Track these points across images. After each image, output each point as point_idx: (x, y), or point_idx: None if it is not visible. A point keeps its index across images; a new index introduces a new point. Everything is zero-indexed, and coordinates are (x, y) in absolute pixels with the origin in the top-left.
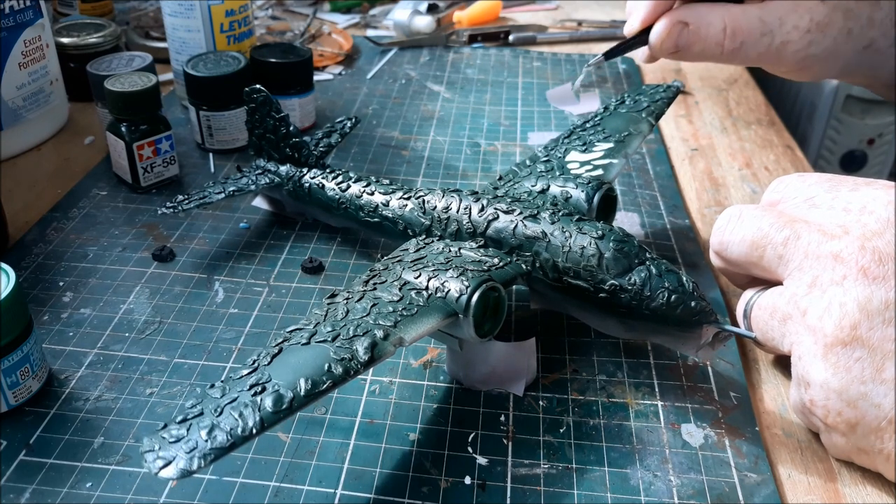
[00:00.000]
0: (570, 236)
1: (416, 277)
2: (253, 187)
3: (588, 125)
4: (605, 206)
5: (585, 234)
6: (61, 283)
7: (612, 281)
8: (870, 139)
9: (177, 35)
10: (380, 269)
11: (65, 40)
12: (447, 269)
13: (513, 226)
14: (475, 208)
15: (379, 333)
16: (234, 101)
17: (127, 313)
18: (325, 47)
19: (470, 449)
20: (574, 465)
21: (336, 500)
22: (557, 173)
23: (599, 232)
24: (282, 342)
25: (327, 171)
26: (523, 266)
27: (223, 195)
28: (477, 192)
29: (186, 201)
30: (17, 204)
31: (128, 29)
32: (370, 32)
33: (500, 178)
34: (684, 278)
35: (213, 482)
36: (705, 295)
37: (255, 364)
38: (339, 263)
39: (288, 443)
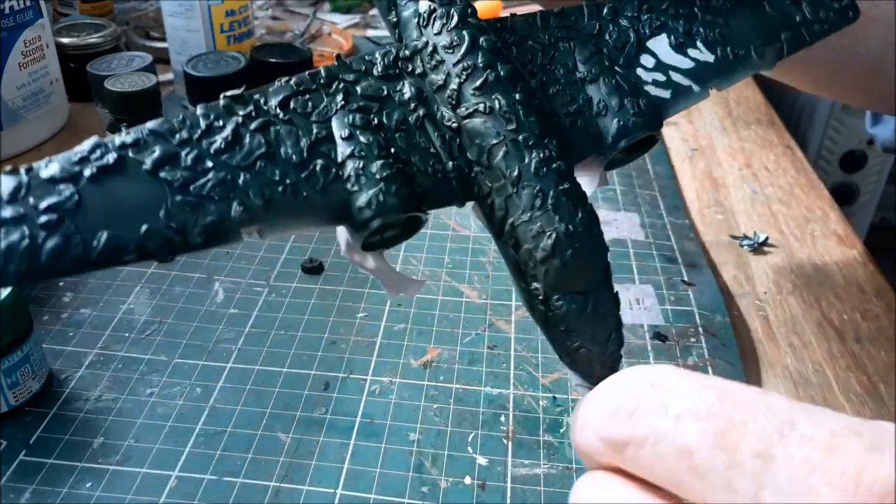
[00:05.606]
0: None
1: (344, 138)
2: None
3: (715, 2)
4: (639, 144)
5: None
6: (61, 283)
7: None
8: (870, 139)
9: (177, 35)
10: (325, 81)
11: (65, 40)
12: (382, 153)
13: (497, 146)
14: (479, 78)
15: (237, 209)
16: None
17: (127, 313)
18: (325, 47)
19: (470, 449)
20: (574, 466)
21: (336, 500)
22: (618, 66)
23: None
24: (131, 144)
25: None
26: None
27: None
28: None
29: None
30: None
31: (128, 29)
32: (370, 32)
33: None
34: None
35: (213, 482)
36: None
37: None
38: (339, 263)
39: (288, 443)
